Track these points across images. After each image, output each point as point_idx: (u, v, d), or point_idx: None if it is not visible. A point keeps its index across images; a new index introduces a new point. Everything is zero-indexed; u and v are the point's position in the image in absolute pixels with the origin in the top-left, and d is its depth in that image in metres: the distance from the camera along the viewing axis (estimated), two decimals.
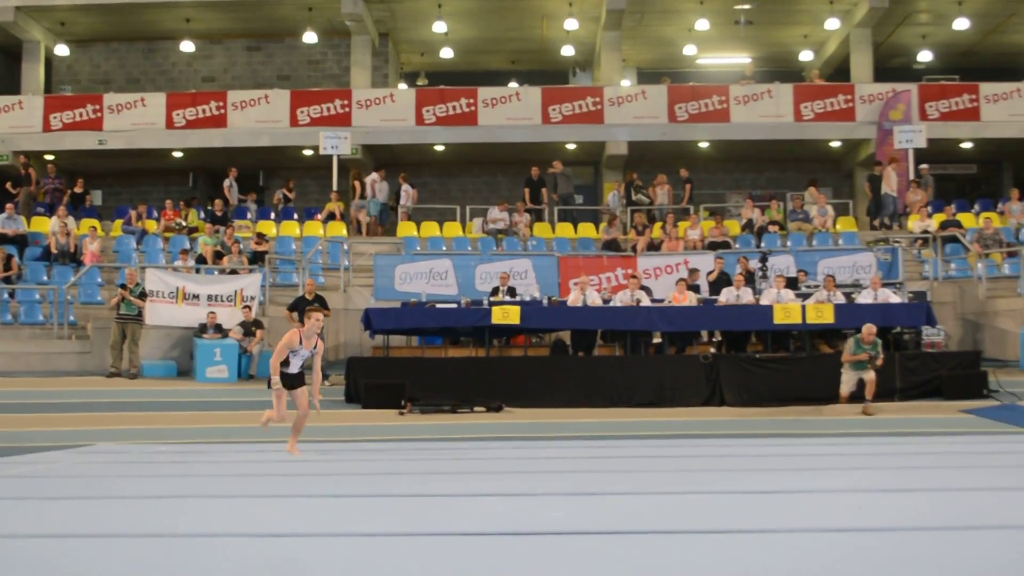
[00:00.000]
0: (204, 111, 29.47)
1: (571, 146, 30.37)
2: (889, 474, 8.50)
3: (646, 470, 9.05)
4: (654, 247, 24.40)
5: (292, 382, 11.25)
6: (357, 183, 28.23)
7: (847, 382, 17.24)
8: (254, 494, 7.72)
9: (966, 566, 4.45)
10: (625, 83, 32.31)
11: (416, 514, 6.42)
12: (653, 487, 7.60)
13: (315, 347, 11.19)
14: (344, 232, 26.51)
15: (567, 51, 33.92)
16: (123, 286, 20.31)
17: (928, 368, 18.68)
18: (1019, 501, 6.67)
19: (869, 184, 27.74)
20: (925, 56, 34.31)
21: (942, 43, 33.88)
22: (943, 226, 25.00)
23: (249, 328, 20.41)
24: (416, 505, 6.84)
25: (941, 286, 23.02)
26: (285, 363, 11.07)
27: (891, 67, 33.94)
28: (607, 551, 4.92)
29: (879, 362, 17.12)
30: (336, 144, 27.48)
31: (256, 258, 23.55)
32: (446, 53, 34.30)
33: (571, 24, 31.76)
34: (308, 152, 29.65)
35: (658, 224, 26.21)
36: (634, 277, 20.57)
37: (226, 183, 29.06)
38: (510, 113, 29.44)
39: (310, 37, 32.29)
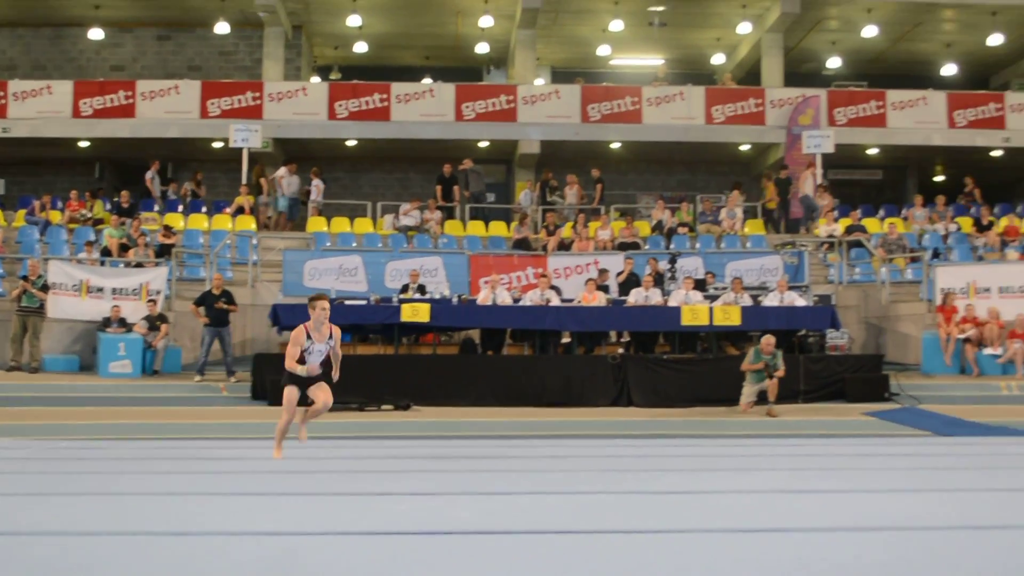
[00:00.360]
0: (112, 100, 28.96)
1: (484, 144, 30.35)
2: (790, 475, 8.59)
3: (553, 470, 9.06)
4: (564, 247, 24.47)
5: (304, 380, 10.36)
6: (263, 180, 27.95)
7: (747, 395, 17.42)
8: (148, 491, 7.59)
9: (863, 567, 4.51)
10: (539, 82, 32.36)
11: (320, 512, 6.36)
12: (560, 487, 7.61)
13: (330, 336, 10.36)
14: (253, 226, 26.22)
15: (481, 48, 33.93)
16: (25, 278, 19.91)
17: (832, 371, 18.98)
18: (914, 502, 6.78)
19: (776, 188, 28.08)
20: (834, 62, 34.84)
21: (851, 50, 34.43)
22: (848, 231, 25.38)
23: (154, 322, 20.09)
24: (319, 504, 6.78)
25: (846, 290, 23.38)
26: (301, 362, 10.21)
27: (801, 72, 34.39)
28: (513, 551, 4.91)
29: (779, 373, 17.31)
30: (247, 137, 27.15)
31: (163, 251, 23.19)
32: (360, 47, 34.09)
33: (486, 21, 31.79)
34: (218, 144, 29.27)
35: (569, 224, 26.28)
36: (544, 276, 20.61)
37: (148, 175, 28.55)
38: (423, 109, 29.34)
39: (222, 28, 31.91)
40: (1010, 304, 20.97)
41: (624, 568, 4.54)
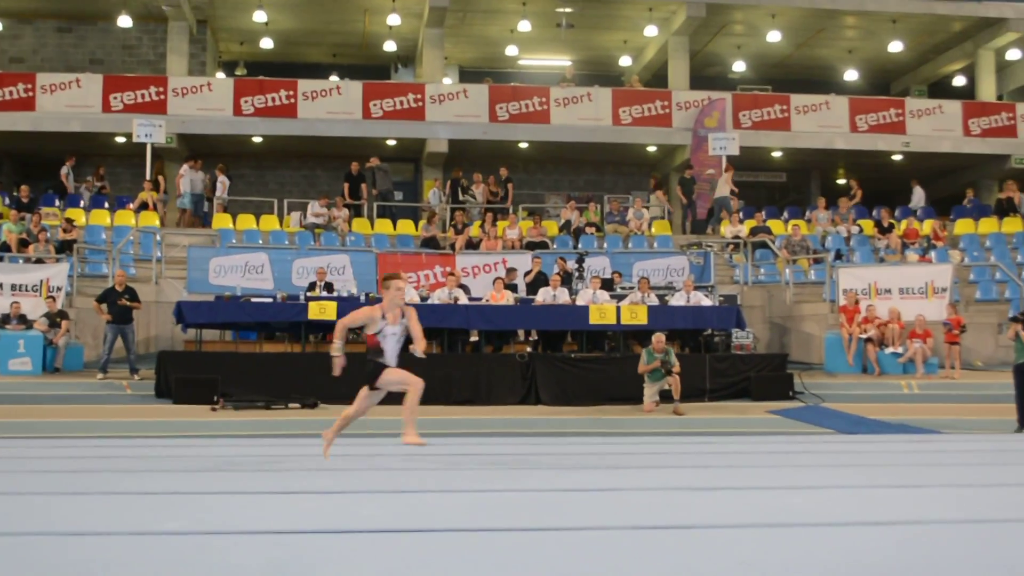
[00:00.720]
0: (11, 93, 28.32)
1: (392, 142, 30.21)
2: (695, 473, 8.65)
3: (460, 468, 9.03)
4: (473, 246, 24.45)
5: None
6: (161, 177, 27.54)
7: (650, 395, 17.60)
8: (50, 491, 7.42)
9: (767, 563, 4.54)
10: (447, 81, 32.30)
11: (224, 512, 6.26)
12: (467, 485, 7.58)
13: (403, 317, 9.25)
14: (157, 223, 25.83)
15: (389, 46, 33.81)
16: None
17: (737, 370, 19.22)
18: (817, 499, 6.85)
19: (681, 188, 28.32)
20: (740, 66, 35.28)
21: (756, 54, 34.86)
22: (753, 232, 25.70)
23: (54, 319, 19.70)
24: (223, 503, 6.67)
25: (751, 290, 23.67)
26: (379, 352, 9.26)
27: (707, 75, 34.77)
28: (419, 549, 4.87)
29: (676, 369, 17.50)
30: (150, 132, 26.72)
31: (64, 247, 22.75)
32: (266, 43, 33.78)
33: (394, 19, 31.67)
34: (121, 139, 28.80)
35: (477, 223, 26.27)
36: (452, 275, 20.58)
37: (63, 170, 28.02)
38: (330, 107, 29.14)
39: (125, 21, 31.38)
40: (910, 305, 21.40)
41: (527, 566, 4.52)
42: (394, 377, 9.31)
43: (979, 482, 7.88)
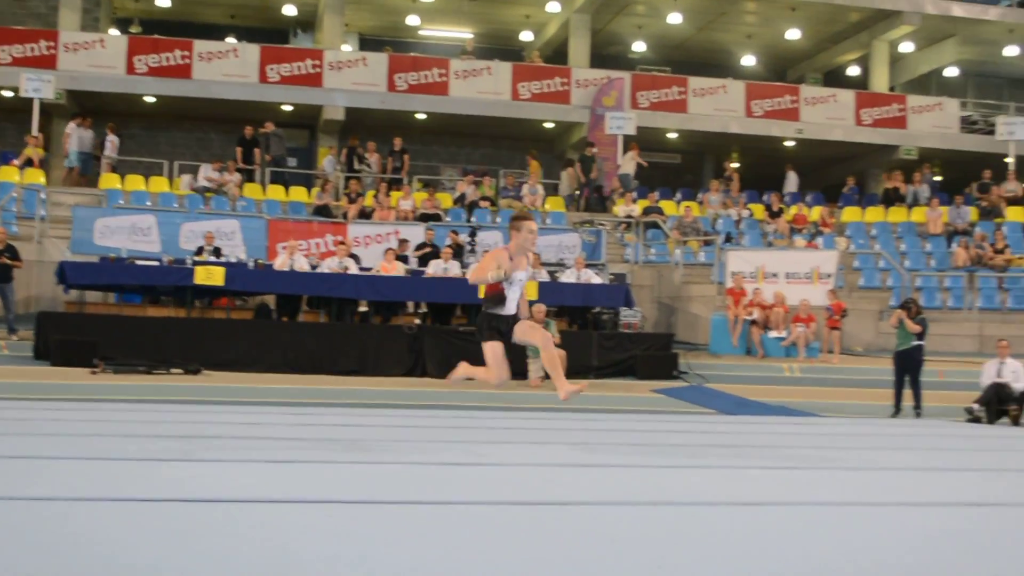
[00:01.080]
0: None
1: (288, 108, 29.85)
2: (574, 450, 8.69)
3: (341, 439, 8.96)
4: (365, 216, 24.29)
5: (509, 324, 8.46)
6: (40, 135, 26.84)
7: (535, 370, 17.69)
8: None
9: (647, 539, 4.57)
10: (346, 48, 31.99)
11: (94, 477, 6.14)
12: (347, 457, 7.52)
13: (528, 268, 8.48)
14: (43, 180, 25.22)
15: (289, 10, 33.39)
16: None
17: (624, 348, 19.39)
18: (696, 479, 6.92)
19: (580, 165, 28.41)
20: (640, 47, 35.49)
21: (656, 35, 35.09)
22: (646, 212, 25.90)
23: None
24: (92, 468, 6.55)
25: (641, 270, 23.87)
26: (500, 302, 8.30)
27: (607, 54, 34.91)
28: (293, 520, 4.82)
29: (555, 340, 17.61)
30: (39, 87, 26.02)
31: None
32: (162, 1, 33.13)
33: None
34: (8, 93, 28.02)
35: (371, 192, 26.08)
36: (343, 244, 20.44)
37: None
38: (226, 69, 28.67)
39: None
40: (796, 289, 21.76)
41: (406, 539, 4.50)
42: (527, 329, 8.48)
43: (851, 465, 8.03)
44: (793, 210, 27.59)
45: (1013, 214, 27.98)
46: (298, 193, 27.11)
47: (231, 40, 31.71)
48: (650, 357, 19.33)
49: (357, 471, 6.71)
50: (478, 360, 8.67)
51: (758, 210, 27.86)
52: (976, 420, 16.22)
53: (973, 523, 5.49)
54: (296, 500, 5.38)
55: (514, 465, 7.30)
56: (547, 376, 17.57)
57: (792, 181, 30.52)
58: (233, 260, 20.15)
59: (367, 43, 35.04)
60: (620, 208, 26.21)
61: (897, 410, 16.99)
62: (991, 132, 31.06)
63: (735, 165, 30.39)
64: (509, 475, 6.77)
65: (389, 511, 5.19)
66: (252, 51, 29.11)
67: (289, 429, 9.57)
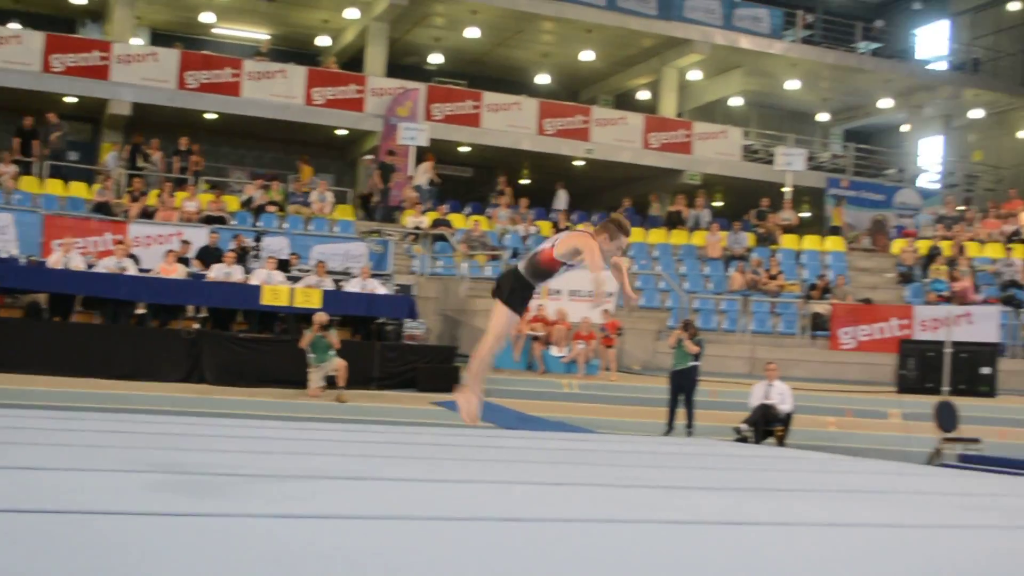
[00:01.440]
0: None
1: (71, 99, 28.77)
2: (346, 461, 8.60)
3: (105, 445, 8.66)
4: (148, 215, 23.62)
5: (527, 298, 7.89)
6: None
7: (315, 380, 17.57)
8: None
9: (413, 554, 4.52)
10: (136, 42, 31.11)
11: None
12: (109, 465, 7.26)
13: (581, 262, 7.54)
14: None
15: None
16: None
17: (406, 359, 19.39)
18: (473, 493, 6.92)
19: (380, 172, 28.18)
20: (437, 59, 35.56)
21: (454, 48, 35.19)
22: (435, 224, 25.94)
23: None
24: None
25: (427, 281, 23.88)
26: (547, 276, 7.73)
27: (404, 64, 34.80)
28: (50, 531, 4.60)
29: (336, 345, 17.66)
30: None
31: None
32: None
33: None
34: None
35: (155, 192, 25.36)
36: (122, 243, 19.87)
37: None
38: (8, 55, 27.41)
39: None
40: (578, 307, 22.10)
41: (162, 551, 4.35)
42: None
43: (621, 482, 8.15)
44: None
45: (787, 242, 29.08)
46: (78, 189, 26.14)
47: (14, 25, 30.42)
48: (432, 369, 19.36)
49: (119, 479, 6.47)
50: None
51: (545, 227, 28.18)
52: (744, 439, 16.79)
53: (720, 541, 5.60)
54: (62, 512, 5.16)
55: (290, 477, 7.16)
56: (328, 386, 17.49)
57: (562, 199, 30.93)
58: (4, 255, 19.34)
59: (159, 38, 34.07)
60: (409, 219, 26.19)
61: (670, 428, 17.45)
62: (770, 162, 32.22)
63: (524, 180, 30.69)
64: (285, 487, 6.63)
65: (150, 524, 5.01)
66: (36, 38, 27.96)
67: (52, 435, 9.20)
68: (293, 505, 5.87)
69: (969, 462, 14.42)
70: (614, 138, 32.07)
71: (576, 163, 32.53)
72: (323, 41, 35.27)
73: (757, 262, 26.83)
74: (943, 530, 6.66)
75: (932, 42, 40.48)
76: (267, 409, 15.54)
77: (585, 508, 6.66)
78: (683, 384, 17.68)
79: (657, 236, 29.02)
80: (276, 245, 22.18)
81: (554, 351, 21.54)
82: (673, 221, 30.07)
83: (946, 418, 16.47)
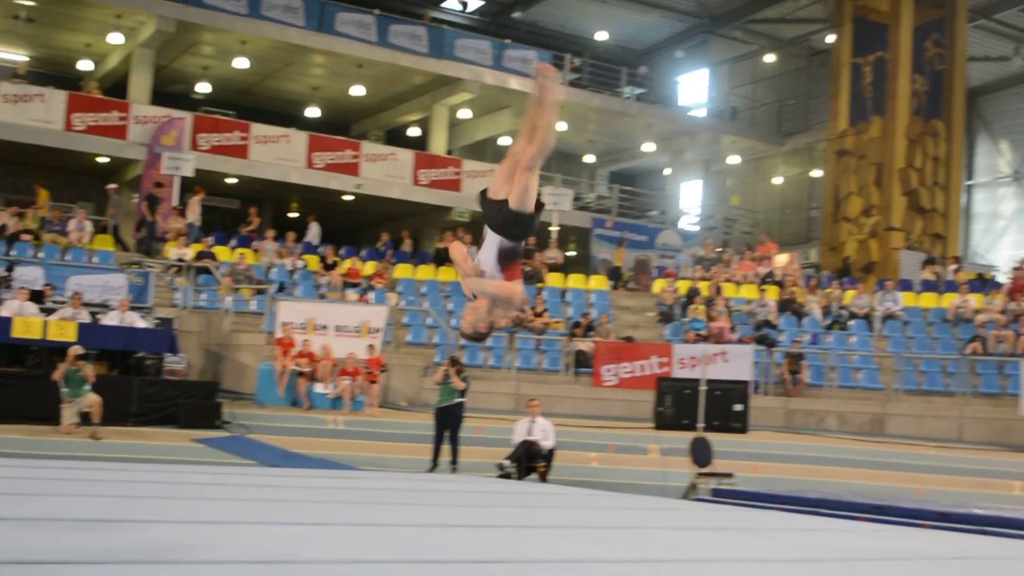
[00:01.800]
0: None
1: None
2: (86, 502, 8.31)
3: None
4: None
5: None
6: None
7: (68, 417, 16.98)
8: None
9: None
10: None
11: None
12: None
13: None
14: None
15: None
16: None
17: (166, 395, 18.96)
18: (234, 534, 6.77)
19: (148, 204, 27.32)
20: (204, 87, 34.99)
21: (222, 78, 34.70)
22: (199, 256, 25.41)
23: None
24: None
25: (190, 315, 23.35)
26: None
27: (170, 92, 34.11)
28: None
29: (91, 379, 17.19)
30: None
31: None
32: None
33: None
34: None
35: None
36: None
37: None
38: None
39: None
40: (344, 342, 22.02)
41: None
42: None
43: (375, 521, 8.10)
44: (348, 264, 27.87)
45: (553, 280, 29.60)
46: None
47: None
48: (193, 405, 18.96)
49: None
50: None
51: (313, 261, 27.91)
52: (507, 476, 16.98)
53: None
54: None
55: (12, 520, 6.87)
56: (83, 422, 16.90)
57: (314, 232, 30.74)
58: None
59: None
60: (172, 251, 25.57)
61: (435, 464, 17.51)
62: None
63: (293, 214, 30.33)
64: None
65: None
66: None
67: None
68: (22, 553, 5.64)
69: (722, 496, 14.92)
70: (384, 173, 32.14)
71: (346, 197, 32.42)
72: (86, 65, 34.23)
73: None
74: (694, 564, 6.86)
75: (693, 90, 42.15)
76: (17, 447, 14.90)
77: (339, 550, 6.60)
78: (448, 420, 17.80)
79: (425, 272, 29.10)
80: (30, 275, 21.30)
81: (319, 387, 21.34)
82: (441, 258, 30.20)
83: (701, 454, 17.05)
